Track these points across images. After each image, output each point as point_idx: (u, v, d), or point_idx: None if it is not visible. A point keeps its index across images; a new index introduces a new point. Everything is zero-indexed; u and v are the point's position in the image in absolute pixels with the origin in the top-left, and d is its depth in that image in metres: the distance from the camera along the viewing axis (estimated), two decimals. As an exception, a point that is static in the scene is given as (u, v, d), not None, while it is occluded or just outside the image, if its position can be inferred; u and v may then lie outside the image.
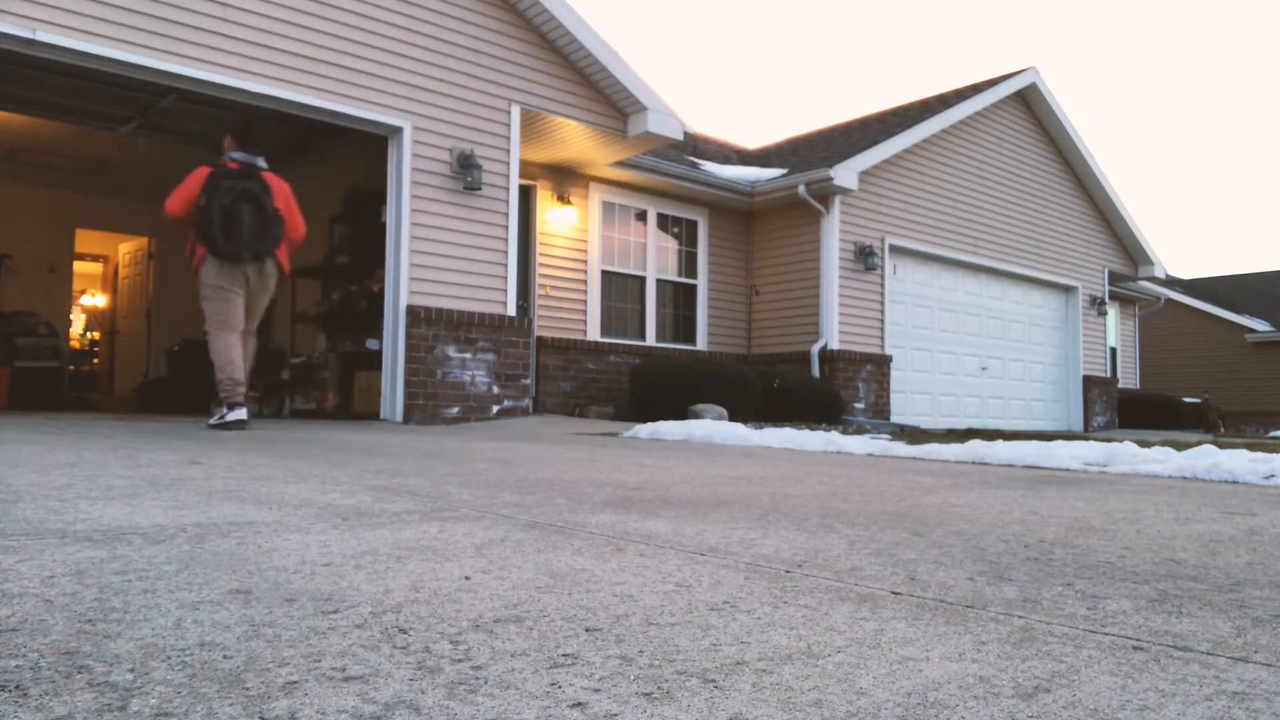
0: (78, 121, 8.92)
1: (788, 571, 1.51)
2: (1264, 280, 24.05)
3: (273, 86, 6.73)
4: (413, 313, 7.27)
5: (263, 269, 5.70)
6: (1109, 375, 15.01)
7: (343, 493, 2.36)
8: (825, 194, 10.48)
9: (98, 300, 14.20)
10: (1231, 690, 0.92)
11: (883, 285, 11.13)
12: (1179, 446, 4.87)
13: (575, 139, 8.80)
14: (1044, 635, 1.13)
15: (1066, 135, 13.37)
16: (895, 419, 11.11)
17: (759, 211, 11.39)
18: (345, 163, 9.32)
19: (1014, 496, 2.73)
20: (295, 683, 0.87)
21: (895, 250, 11.38)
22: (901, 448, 4.99)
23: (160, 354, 11.85)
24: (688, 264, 11.01)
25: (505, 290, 7.80)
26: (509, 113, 7.92)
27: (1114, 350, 16.38)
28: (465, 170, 7.53)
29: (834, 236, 10.56)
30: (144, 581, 1.27)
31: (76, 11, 5.97)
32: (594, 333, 9.98)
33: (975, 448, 4.66)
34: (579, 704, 0.84)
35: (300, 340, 9.78)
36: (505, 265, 7.84)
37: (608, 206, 10.25)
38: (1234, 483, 3.40)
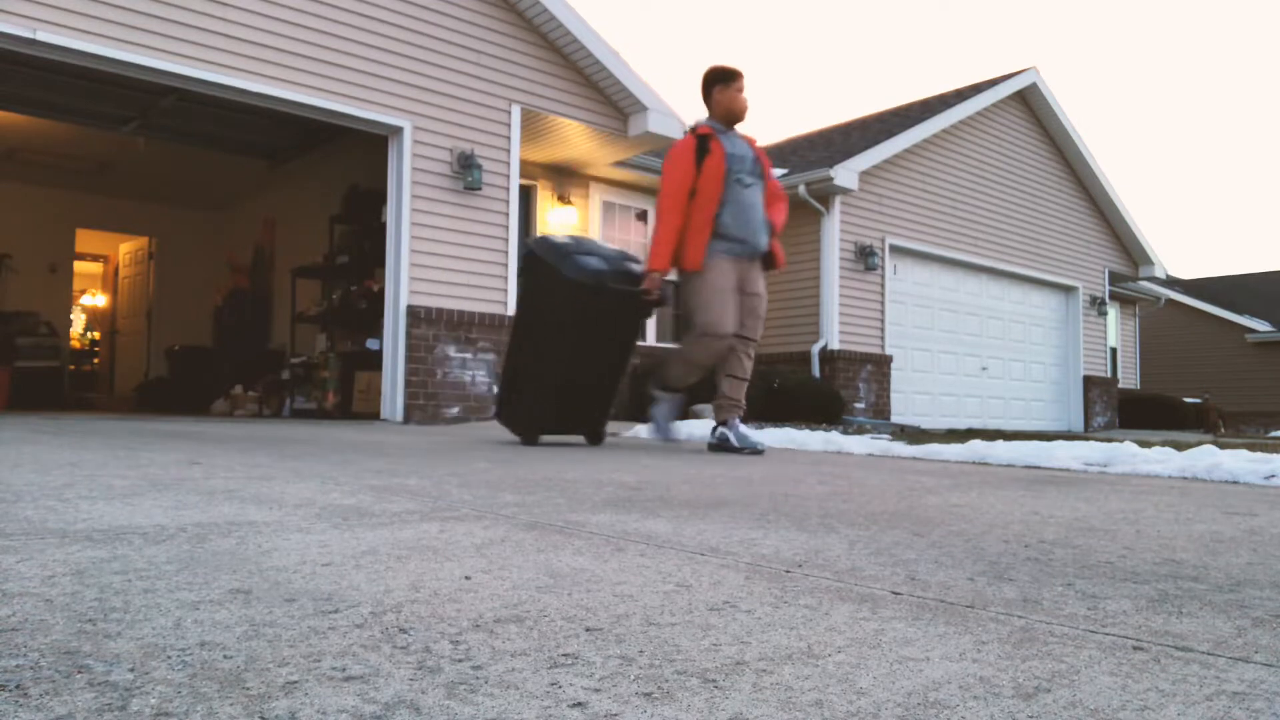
0: (78, 121, 8.92)
1: (788, 571, 1.50)
2: (1264, 280, 24.04)
3: (273, 86, 6.73)
4: (413, 313, 7.27)
5: None
6: (1109, 375, 15.00)
7: (343, 492, 2.36)
8: (825, 194, 10.47)
9: (98, 300, 14.21)
10: (1232, 690, 0.92)
11: (883, 285, 11.13)
12: (1179, 447, 4.86)
13: (576, 139, 8.80)
14: (1044, 635, 1.13)
15: (1066, 135, 13.36)
16: (895, 419, 11.10)
17: (759, 211, 11.36)
18: (345, 162, 9.32)
19: (1014, 496, 2.73)
20: (295, 682, 0.87)
21: (895, 250, 11.38)
22: (902, 448, 4.99)
23: (160, 354, 11.85)
24: (688, 264, 10.99)
25: (506, 290, 7.80)
26: (509, 113, 7.92)
27: (1114, 350, 16.37)
28: (465, 170, 7.53)
29: (834, 236, 10.56)
30: (144, 581, 1.27)
31: (76, 11, 5.97)
32: (594, 333, 9.97)
33: (975, 448, 4.65)
34: (579, 704, 0.84)
35: (300, 340, 9.77)
36: (506, 265, 7.84)
37: (608, 206, 10.25)
38: (1234, 483, 3.40)
